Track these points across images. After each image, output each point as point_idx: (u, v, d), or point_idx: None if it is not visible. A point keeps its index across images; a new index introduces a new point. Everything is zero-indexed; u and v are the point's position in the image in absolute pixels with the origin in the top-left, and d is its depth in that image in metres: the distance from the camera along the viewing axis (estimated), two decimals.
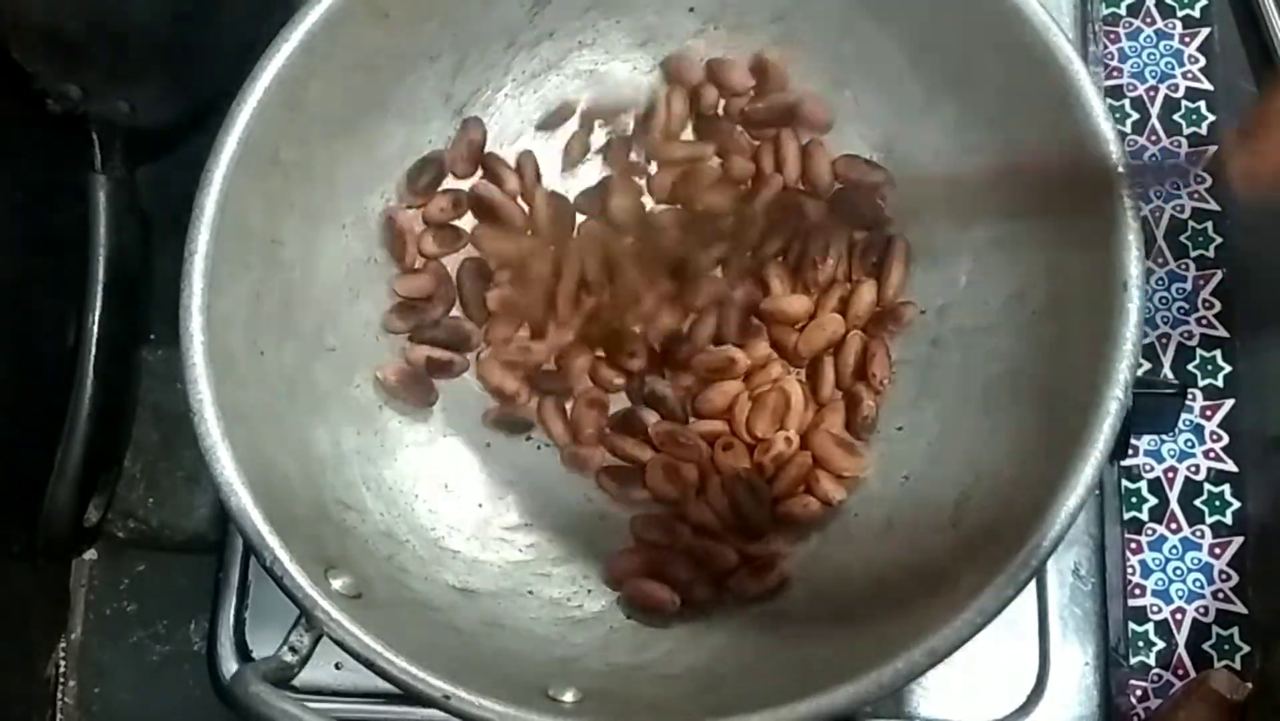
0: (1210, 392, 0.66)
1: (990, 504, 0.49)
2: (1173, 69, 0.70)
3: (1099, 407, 0.45)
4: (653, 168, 0.61)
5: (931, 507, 0.51)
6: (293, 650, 0.43)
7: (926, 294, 0.57)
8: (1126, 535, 0.64)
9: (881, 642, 0.43)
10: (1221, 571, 0.63)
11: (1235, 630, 0.62)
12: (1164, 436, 0.65)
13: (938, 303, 0.56)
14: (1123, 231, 0.47)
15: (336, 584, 0.46)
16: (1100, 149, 0.48)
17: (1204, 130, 0.69)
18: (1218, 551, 0.64)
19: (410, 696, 0.43)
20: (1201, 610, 0.63)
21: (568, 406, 0.58)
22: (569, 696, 0.45)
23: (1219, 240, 0.68)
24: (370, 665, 0.43)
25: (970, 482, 0.50)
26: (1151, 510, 0.64)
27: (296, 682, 0.45)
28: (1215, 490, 0.64)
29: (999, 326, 0.53)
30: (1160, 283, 0.67)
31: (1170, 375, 0.66)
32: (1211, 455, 0.65)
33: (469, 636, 0.50)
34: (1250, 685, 0.57)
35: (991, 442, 0.51)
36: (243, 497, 0.45)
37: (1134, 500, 0.64)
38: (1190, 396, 0.66)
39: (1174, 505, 0.64)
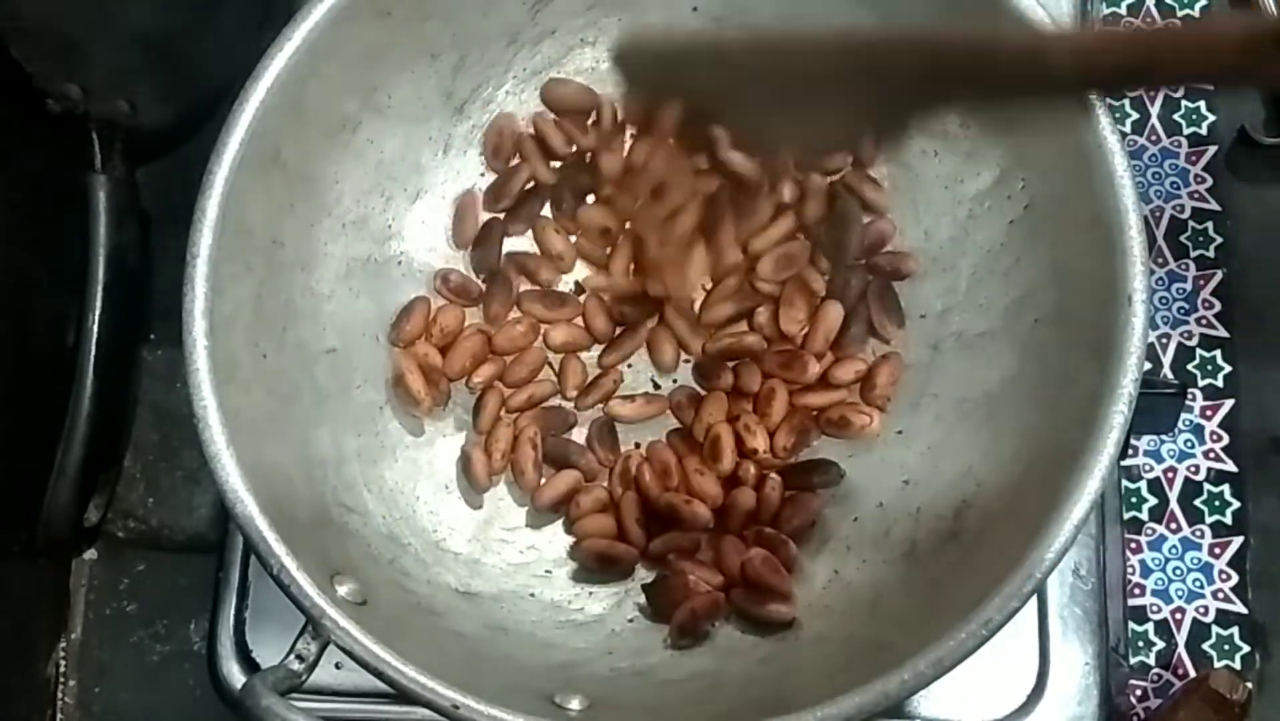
0: (1210, 393, 0.66)
1: (992, 514, 0.49)
2: None
3: (1103, 422, 0.44)
4: None
5: (931, 516, 0.51)
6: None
7: (927, 298, 0.57)
8: (1126, 535, 0.64)
9: (885, 652, 0.43)
10: (1221, 571, 0.63)
11: (1235, 630, 0.62)
12: (1164, 436, 0.65)
13: (938, 306, 0.56)
14: (1127, 242, 0.47)
15: (342, 590, 0.45)
16: (1105, 159, 0.48)
17: (1204, 130, 0.69)
18: (1218, 551, 0.64)
19: (414, 701, 0.43)
20: (1201, 610, 0.63)
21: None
22: (575, 704, 0.46)
23: (1219, 240, 0.68)
24: (379, 673, 0.43)
25: (971, 490, 0.50)
26: (1151, 510, 0.64)
27: None
28: (1215, 490, 0.65)
29: (1000, 333, 0.53)
30: (1160, 283, 0.67)
31: (1170, 375, 0.67)
32: (1211, 455, 0.65)
33: (473, 641, 0.50)
34: (1250, 685, 0.58)
35: (993, 450, 0.51)
36: (249, 505, 0.44)
37: (1134, 500, 0.64)
38: (1190, 396, 0.66)
39: (1174, 505, 0.64)
